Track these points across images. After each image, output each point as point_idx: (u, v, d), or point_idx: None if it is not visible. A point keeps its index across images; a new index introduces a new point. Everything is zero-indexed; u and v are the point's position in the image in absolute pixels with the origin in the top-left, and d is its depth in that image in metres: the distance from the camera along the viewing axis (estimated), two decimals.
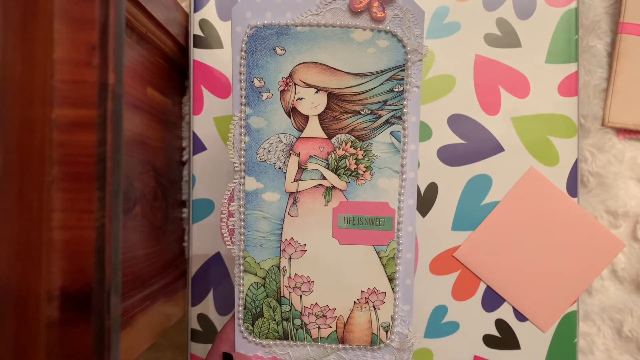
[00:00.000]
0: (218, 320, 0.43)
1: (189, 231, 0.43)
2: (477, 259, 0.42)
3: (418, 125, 0.31)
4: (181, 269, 0.45)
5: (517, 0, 0.43)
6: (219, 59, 0.42)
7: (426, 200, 0.43)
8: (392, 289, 0.32)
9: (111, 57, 0.24)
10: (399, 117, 0.31)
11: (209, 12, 0.42)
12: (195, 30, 0.42)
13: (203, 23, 0.42)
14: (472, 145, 0.43)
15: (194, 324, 0.43)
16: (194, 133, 0.42)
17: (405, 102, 0.30)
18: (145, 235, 0.40)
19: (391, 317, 0.32)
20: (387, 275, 0.32)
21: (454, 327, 0.43)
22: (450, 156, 0.43)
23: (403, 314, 0.32)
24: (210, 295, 0.43)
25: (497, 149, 0.43)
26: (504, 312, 0.43)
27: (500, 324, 0.43)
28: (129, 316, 0.35)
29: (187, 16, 0.43)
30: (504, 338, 0.43)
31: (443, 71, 0.43)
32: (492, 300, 0.43)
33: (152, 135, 0.41)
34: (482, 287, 0.43)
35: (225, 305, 0.43)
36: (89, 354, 0.23)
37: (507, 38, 0.43)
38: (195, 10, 0.42)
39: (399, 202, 0.31)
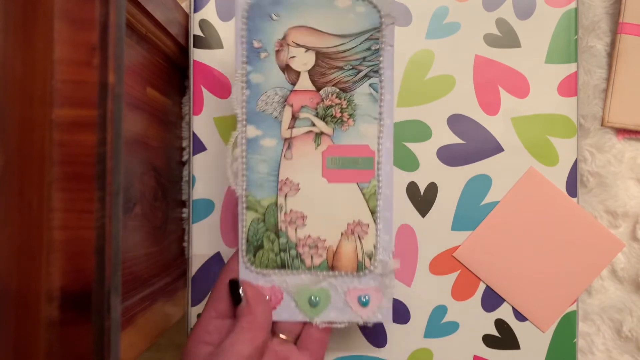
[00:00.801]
0: None
1: (189, 231, 0.43)
2: (476, 259, 0.43)
3: (393, 78, 0.36)
4: (181, 269, 0.45)
5: (516, 0, 0.43)
6: (219, 59, 0.42)
7: (426, 200, 0.43)
8: (374, 220, 0.36)
9: (111, 58, 0.24)
10: (376, 72, 0.36)
11: (208, 12, 0.42)
12: (195, 30, 0.42)
13: (203, 23, 0.42)
14: (471, 145, 0.43)
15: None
16: (194, 133, 0.42)
17: (381, 59, 0.36)
18: (145, 235, 0.40)
19: (374, 245, 0.36)
20: (370, 209, 0.36)
21: (453, 327, 0.43)
22: (450, 156, 0.43)
23: (384, 243, 0.36)
24: None
25: (497, 149, 0.43)
26: (504, 312, 0.43)
27: (500, 323, 0.43)
28: (129, 316, 0.35)
29: (187, 16, 0.43)
30: (504, 338, 0.43)
31: (443, 71, 0.43)
32: (491, 300, 0.43)
33: (152, 135, 0.41)
34: (481, 287, 0.43)
35: None
36: (89, 353, 0.23)
37: (506, 38, 0.43)
38: (195, 11, 0.42)
39: (378, 144, 0.36)
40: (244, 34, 0.35)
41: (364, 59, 0.35)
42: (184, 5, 0.44)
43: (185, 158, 0.46)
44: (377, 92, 0.36)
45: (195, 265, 0.42)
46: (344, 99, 0.36)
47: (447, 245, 0.43)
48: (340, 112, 0.36)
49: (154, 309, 0.38)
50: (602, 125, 0.46)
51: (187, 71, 0.44)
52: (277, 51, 0.35)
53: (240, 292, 0.35)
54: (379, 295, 0.36)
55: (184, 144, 0.46)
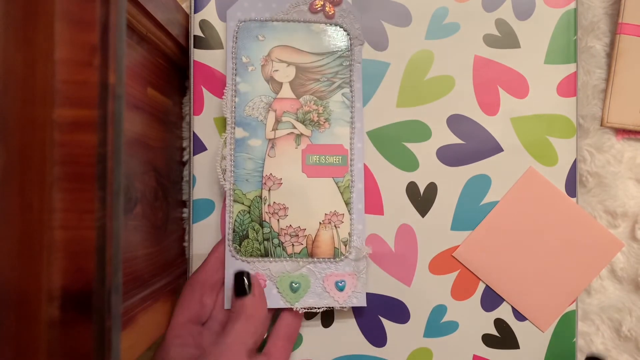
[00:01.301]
0: None
1: (190, 231, 0.43)
2: (476, 259, 0.43)
3: (361, 89, 0.41)
4: (182, 269, 0.45)
5: (516, 1, 0.43)
6: (219, 60, 0.42)
7: (425, 200, 0.43)
8: (348, 211, 0.41)
9: (112, 58, 0.24)
10: (348, 83, 0.41)
11: (209, 12, 0.42)
12: (196, 31, 0.42)
13: (203, 24, 0.42)
14: (471, 145, 0.43)
15: None
16: (194, 133, 0.42)
17: (351, 73, 0.41)
18: (146, 235, 0.40)
19: (349, 233, 0.41)
20: (344, 201, 0.41)
21: (453, 326, 0.43)
22: (449, 156, 0.43)
23: (357, 231, 0.41)
24: None
25: (496, 149, 0.43)
26: (503, 312, 0.43)
27: (500, 323, 0.43)
28: (129, 316, 0.35)
29: (187, 17, 0.43)
30: (503, 337, 0.43)
31: (442, 72, 0.43)
32: (491, 299, 0.43)
33: (153, 135, 0.41)
34: (481, 287, 0.43)
35: None
36: (89, 353, 0.24)
37: (506, 39, 0.43)
38: (195, 11, 0.42)
39: (351, 144, 0.41)
40: (234, 51, 0.41)
41: (336, 72, 0.41)
42: (184, 5, 0.44)
43: (185, 158, 0.46)
44: (349, 100, 0.41)
45: (195, 265, 0.42)
46: (321, 106, 0.41)
47: (447, 245, 0.43)
48: (317, 116, 0.41)
49: (155, 309, 0.39)
50: (601, 125, 0.46)
51: (187, 71, 0.44)
52: (263, 65, 0.41)
53: (245, 284, 0.38)
54: (354, 280, 0.40)
55: (185, 144, 0.46)
